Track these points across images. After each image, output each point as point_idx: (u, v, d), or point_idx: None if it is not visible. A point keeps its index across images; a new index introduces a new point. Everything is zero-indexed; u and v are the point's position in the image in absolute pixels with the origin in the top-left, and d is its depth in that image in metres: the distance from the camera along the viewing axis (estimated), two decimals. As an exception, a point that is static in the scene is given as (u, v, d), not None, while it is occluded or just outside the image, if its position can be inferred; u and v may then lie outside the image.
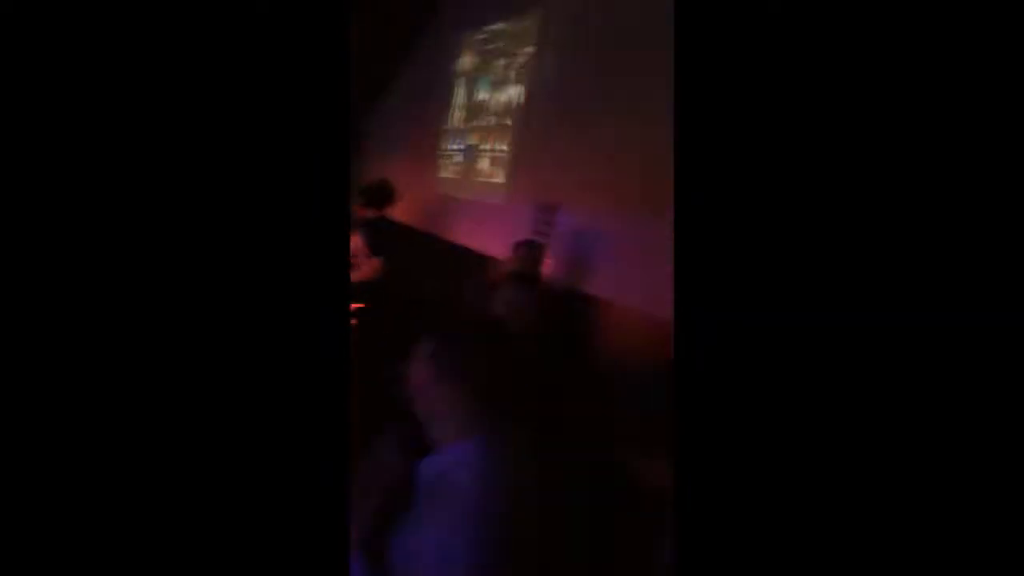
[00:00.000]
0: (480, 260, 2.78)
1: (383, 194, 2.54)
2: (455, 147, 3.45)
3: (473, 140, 3.25)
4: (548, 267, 2.26)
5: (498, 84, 3.11)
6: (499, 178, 2.91)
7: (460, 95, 3.50)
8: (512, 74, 2.99)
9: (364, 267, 2.41)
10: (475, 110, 3.30)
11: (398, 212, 2.74)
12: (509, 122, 2.93)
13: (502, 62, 3.11)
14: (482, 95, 3.25)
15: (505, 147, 2.92)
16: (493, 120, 3.08)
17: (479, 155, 3.16)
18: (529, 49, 2.87)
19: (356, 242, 2.43)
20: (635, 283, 1.93)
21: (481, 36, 3.36)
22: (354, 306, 2.22)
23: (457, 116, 3.50)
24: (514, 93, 2.93)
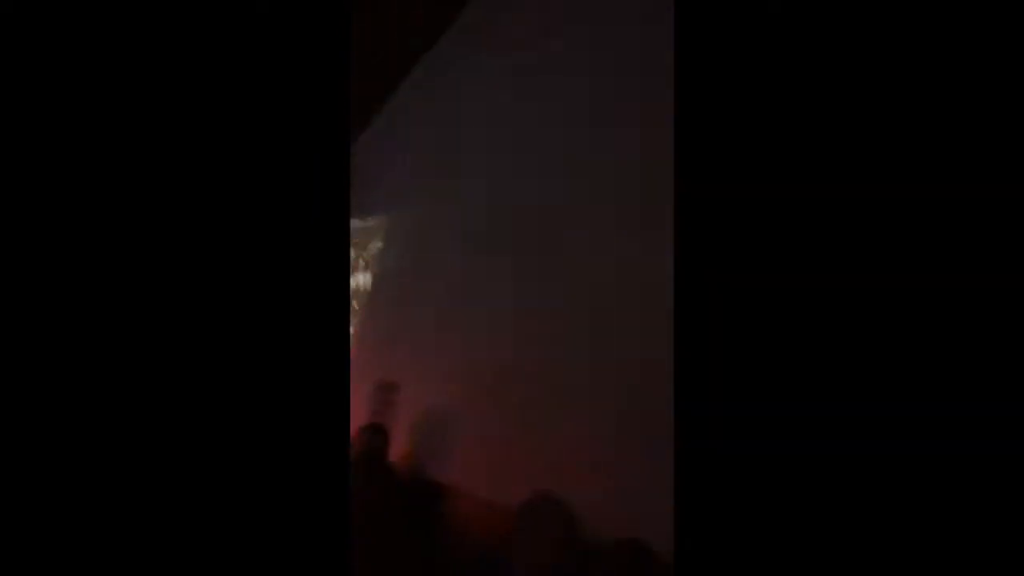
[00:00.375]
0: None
1: None
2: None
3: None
4: (393, 450, 2.26)
5: (350, 272, 3.33)
6: (345, 360, 2.98)
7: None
8: (362, 264, 3.23)
9: None
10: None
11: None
12: (356, 305, 3.09)
13: (354, 254, 3.36)
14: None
15: (352, 330, 3.04)
16: (343, 305, 3.24)
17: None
18: (377, 243, 3.16)
19: None
20: (479, 467, 1.98)
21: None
22: None
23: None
24: (362, 280, 3.14)
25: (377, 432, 2.16)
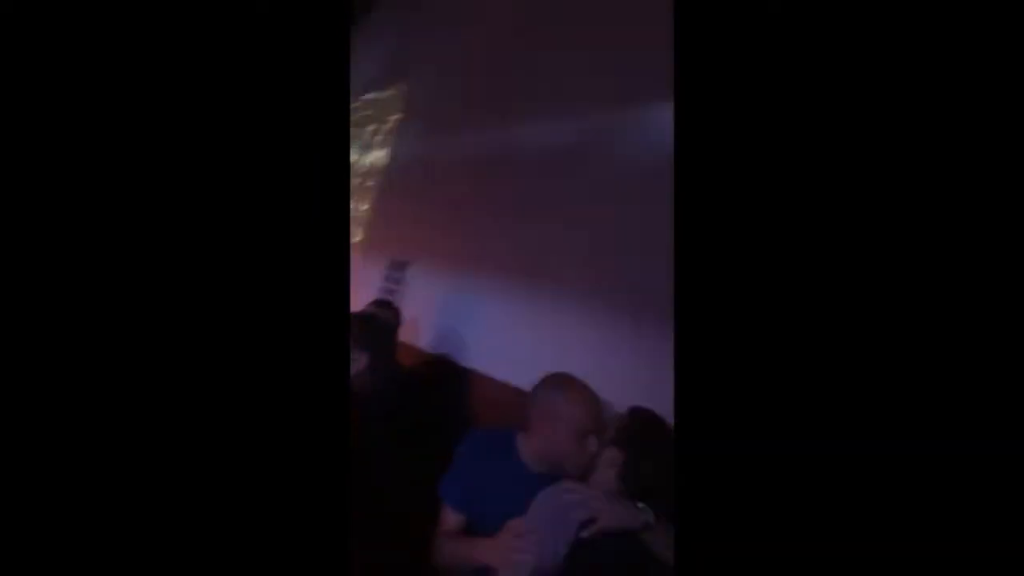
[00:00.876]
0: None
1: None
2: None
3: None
4: (405, 328, 2.17)
5: (365, 148, 3.11)
6: (356, 237, 2.84)
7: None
8: (379, 139, 3.01)
9: None
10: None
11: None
12: (371, 183, 2.91)
13: (371, 128, 3.13)
14: (351, 158, 3.23)
15: (366, 207, 2.88)
16: (357, 181, 3.05)
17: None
18: (395, 115, 2.92)
19: None
20: (498, 349, 1.87)
21: (353, 104, 3.39)
22: None
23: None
24: (380, 156, 2.94)
25: (386, 306, 2.02)
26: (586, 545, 0.96)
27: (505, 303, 1.90)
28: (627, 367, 1.42)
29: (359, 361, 1.55)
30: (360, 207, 2.92)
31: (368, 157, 3.05)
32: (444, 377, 1.97)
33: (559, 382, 1.28)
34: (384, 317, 1.87)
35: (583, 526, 0.97)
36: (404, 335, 2.16)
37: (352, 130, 3.31)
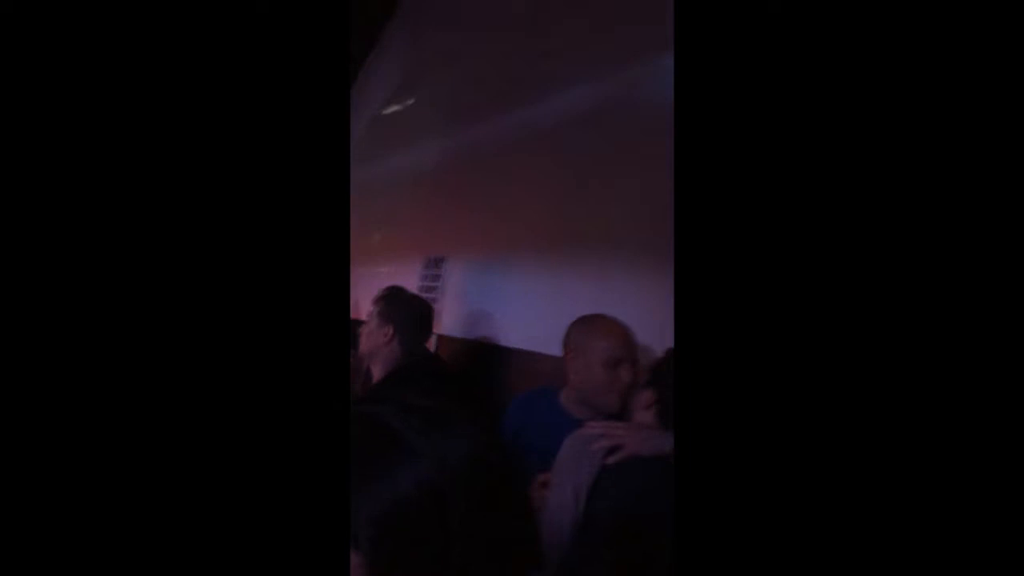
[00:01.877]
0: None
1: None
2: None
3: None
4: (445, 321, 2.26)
5: (391, 152, 3.24)
6: (390, 241, 2.97)
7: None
8: (403, 144, 3.13)
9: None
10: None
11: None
12: (400, 185, 3.03)
13: (394, 135, 3.25)
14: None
15: (397, 209, 3.00)
16: (384, 186, 3.19)
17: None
18: (416, 123, 3.04)
19: None
20: (536, 324, 1.93)
21: (377, 115, 3.53)
22: None
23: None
24: (404, 160, 3.06)
25: (416, 298, 1.93)
26: (612, 471, 0.94)
27: (539, 279, 1.96)
28: (662, 319, 1.42)
29: (385, 333, 1.60)
30: (391, 211, 3.06)
31: (393, 161, 3.19)
32: (483, 359, 2.06)
33: (585, 319, 1.31)
34: (410, 298, 1.84)
35: (608, 454, 0.95)
36: (444, 328, 2.27)
37: (377, 140, 3.46)
